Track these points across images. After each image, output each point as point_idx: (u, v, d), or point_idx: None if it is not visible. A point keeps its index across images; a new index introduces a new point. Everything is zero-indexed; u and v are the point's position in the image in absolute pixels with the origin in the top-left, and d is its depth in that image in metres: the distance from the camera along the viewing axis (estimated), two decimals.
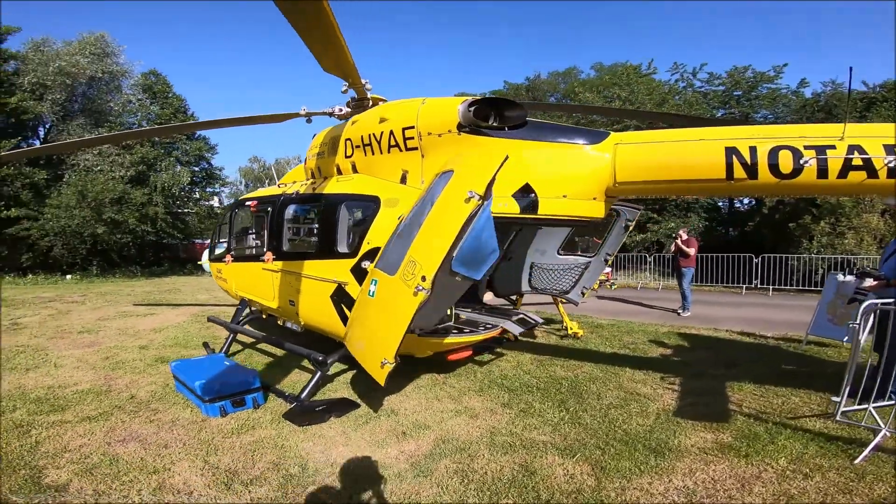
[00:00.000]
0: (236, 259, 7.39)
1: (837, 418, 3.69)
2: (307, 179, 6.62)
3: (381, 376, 3.92)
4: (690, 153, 3.85)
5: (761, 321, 9.24)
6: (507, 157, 3.47)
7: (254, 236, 7.46)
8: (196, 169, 27.16)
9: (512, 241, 6.90)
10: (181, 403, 5.02)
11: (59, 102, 20.35)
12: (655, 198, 5.46)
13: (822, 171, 3.55)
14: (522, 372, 5.87)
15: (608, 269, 13.36)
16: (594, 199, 4.36)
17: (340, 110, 6.15)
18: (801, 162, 3.55)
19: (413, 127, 4.64)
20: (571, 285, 7.12)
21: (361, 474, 3.46)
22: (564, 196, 4.20)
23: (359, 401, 4.99)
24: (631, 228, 6.73)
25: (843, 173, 3.52)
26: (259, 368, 6.33)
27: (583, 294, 7.16)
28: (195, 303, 13.26)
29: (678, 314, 10.37)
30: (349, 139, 5.53)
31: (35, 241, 19.77)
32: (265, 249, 6.36)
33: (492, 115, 4.25)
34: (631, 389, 5.19)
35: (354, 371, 6.03)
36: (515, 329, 5.57)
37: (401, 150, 4.82)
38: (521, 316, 6.19)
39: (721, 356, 6.63)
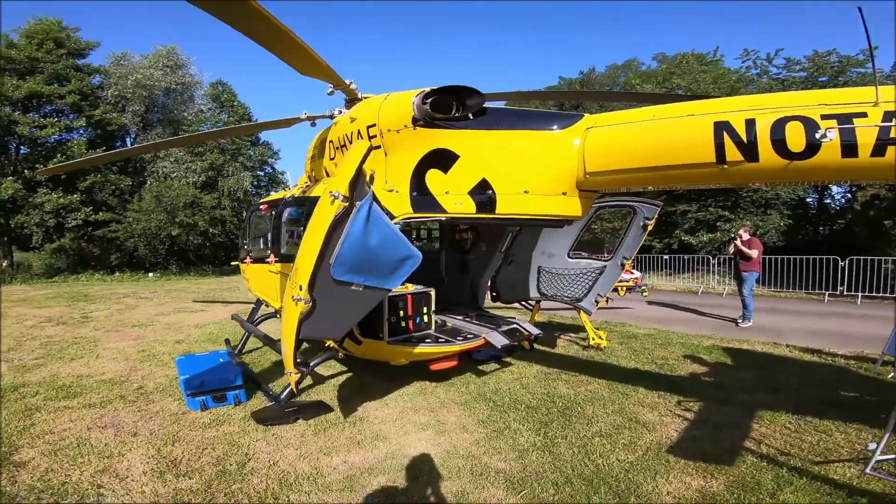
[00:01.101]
0: (253, 260, 7.73)
1: (867, 471, 2.91)
2: (306, 183, 6.74)
3: (293, 384, 3.92)
4: (672, 133, 3.18)
5: (836, 335, 7.88)
6: (369, 150, 3.11)
7: (262, 239, 7.77)
8: (260, 174, 29.23)
9: (512, 242, 6.45)
10: (175, 396, 5.28)
11: (140, 113, 22.91)
12: (654, 189, 4.52)
13: (849, 148, 2.73)
14: (520, 386, 5.46)
15: (637, 274, 12.13)
16: (563, 194, 3.85)
17: (340, 112, 6.15)
18: (818, 136, 2.75)
19: (375, 125, 4.48)
20: (584, 292, 6.53)
21: (290, 481, 3.41)
22: (526, 192, 3.77)
23: (337, 405, 4.92)
24: (650, 228, 6.01)
25: (879, 150, 2.68)
26: (266, 366, 6.55)
27: (597, 302, 6.52)
28: (245, 300, 14.16)
29: (737, 324, 9.22)
30: (331, 141, 5.51)
31: (122, 242, 22.40)
32: (269, 251, 6.57)
33: (449, 105, 3.94)
34: (633, 415, 4.59)
35: (350, 374, 6.00)
36: (498, 341, 5.14)
37: (373, 148, 4.69)
38: (515, 326, 5.74)
39: (767, 378, 5.70)
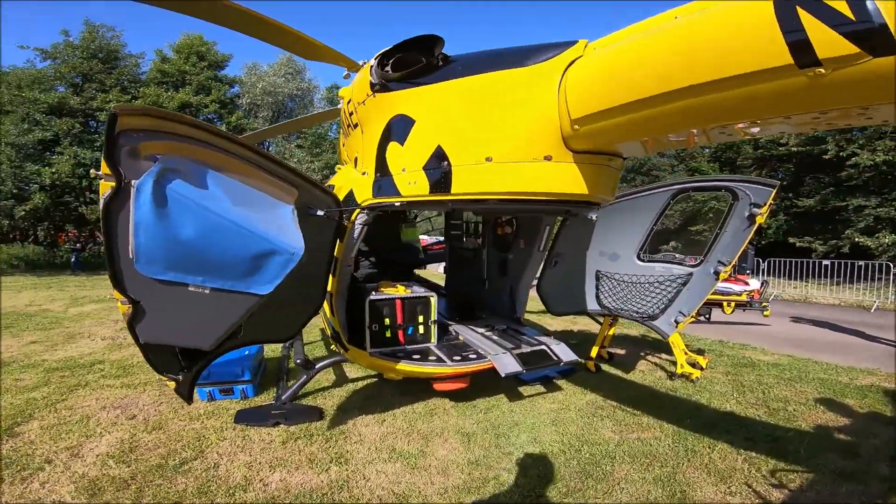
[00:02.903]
0: None
1: None
2: None
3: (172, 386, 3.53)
4: (706, 32, 1.83)
5: None
6: (113, 116, 2.13)
7: None
8: None
9: (554, 237, 5.24)
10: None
11: (268, 119, 25.93)
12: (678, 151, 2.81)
13: None
14: (550, 421, 4.40)
15: (754, 285, 9.12)
16: (547, 158, 2.71)
17: None
18: None
19: (351, 100, 3.93)
20: (660, 308, 5.02)
21: (212, 489, 3.23)
22: (488, 160, 2.76)
23: (335, 413, 4.53)
24: (762, 220, 4.33)
25: None
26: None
27: (677, 323, 4.93)
28: None
29: None
30: (341, 125, 5.13)
31: None
32: None
33: (408, 61, 3.10)
34: (683, 486, 3.26)
35: (373, 381, 5.57)
36: (506, 367, 4.04)
37: (352, 130, 4.12)
38: (542, 348, 4.51)
39: None
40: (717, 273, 4.66)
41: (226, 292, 2.44)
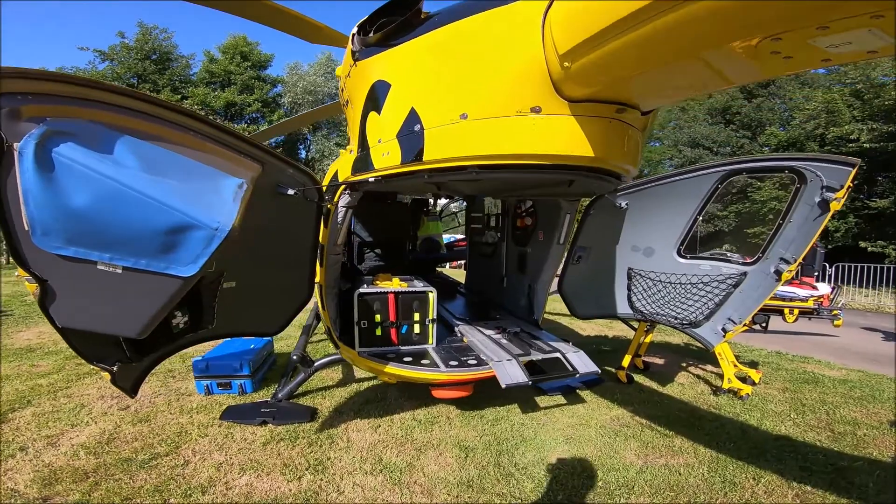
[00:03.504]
0: None
1: None
2: None
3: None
4: None
5: None
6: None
7: None
8: None
9: (579, 228, 4.62)
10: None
11: None
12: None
13: None
14: (564, 439, 3.88)
15: (824, 289, 7.76)
16: (534, 110, 2.19)
17: None
18: None
19: (341, 77, 3.60)
20: (704, 313, 4.32)
21: (171, 487, 3.07)
22: (463, 116, 2.28)
23: (329, 415, 4.26)
24: (838, 206, 3.55)
25: None
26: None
27: (725, 332, 4.18)
28: None
29: None
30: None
31: None
32: None
33: (386, 23, 2.69)
34: None
35: (380, 381, 5.23)
36: (508, 377, 3.42)
37: (346, 108, 3.76)
38: (556, 356, 3.90)
39: None
40: (778, 273, 3.90)
41: (141, 272, 2.16)
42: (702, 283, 4.38)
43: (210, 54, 24.05)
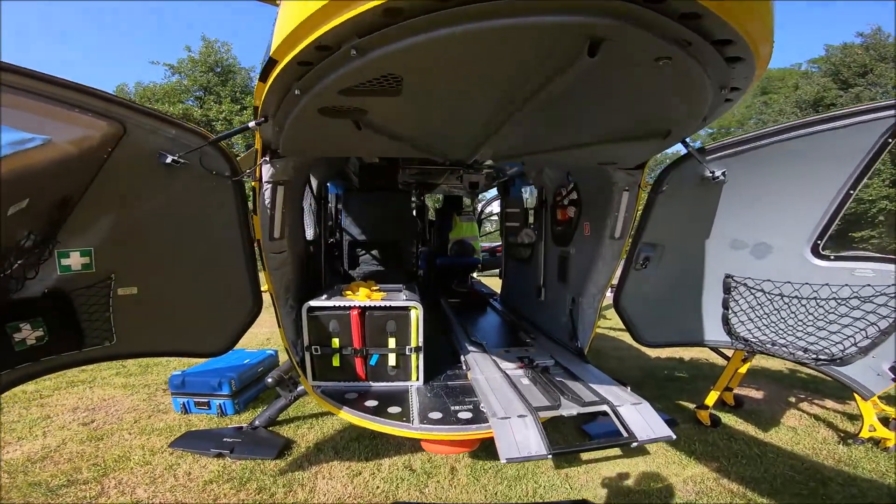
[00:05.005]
0: None
1: None
2: None
3: None
4: None
5: None
6: None
7: None
8: None
9: (645, 216, 3.14)
10: None
11: None
12: None
13: None
14: None
15: None
16: None
17: None
18: None
19: None
20: (858, 344, 2.76)
21: None
22: None
23: (304, 452, 3.49)
24: None
25: None
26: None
27: (893, 373, 2.60)
28: None
29: None
30: None
31: None
32: None
33: None
34: None
35: None
36: (508, 448, 2.19)
37: None
38: (604, 408, 2.60)
39: None
40: None
41: None
42: (857, 297, 2.80)
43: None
